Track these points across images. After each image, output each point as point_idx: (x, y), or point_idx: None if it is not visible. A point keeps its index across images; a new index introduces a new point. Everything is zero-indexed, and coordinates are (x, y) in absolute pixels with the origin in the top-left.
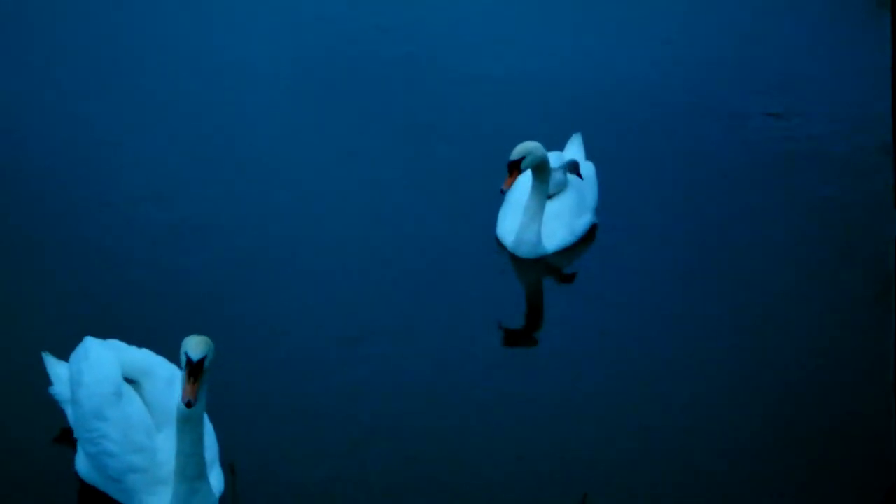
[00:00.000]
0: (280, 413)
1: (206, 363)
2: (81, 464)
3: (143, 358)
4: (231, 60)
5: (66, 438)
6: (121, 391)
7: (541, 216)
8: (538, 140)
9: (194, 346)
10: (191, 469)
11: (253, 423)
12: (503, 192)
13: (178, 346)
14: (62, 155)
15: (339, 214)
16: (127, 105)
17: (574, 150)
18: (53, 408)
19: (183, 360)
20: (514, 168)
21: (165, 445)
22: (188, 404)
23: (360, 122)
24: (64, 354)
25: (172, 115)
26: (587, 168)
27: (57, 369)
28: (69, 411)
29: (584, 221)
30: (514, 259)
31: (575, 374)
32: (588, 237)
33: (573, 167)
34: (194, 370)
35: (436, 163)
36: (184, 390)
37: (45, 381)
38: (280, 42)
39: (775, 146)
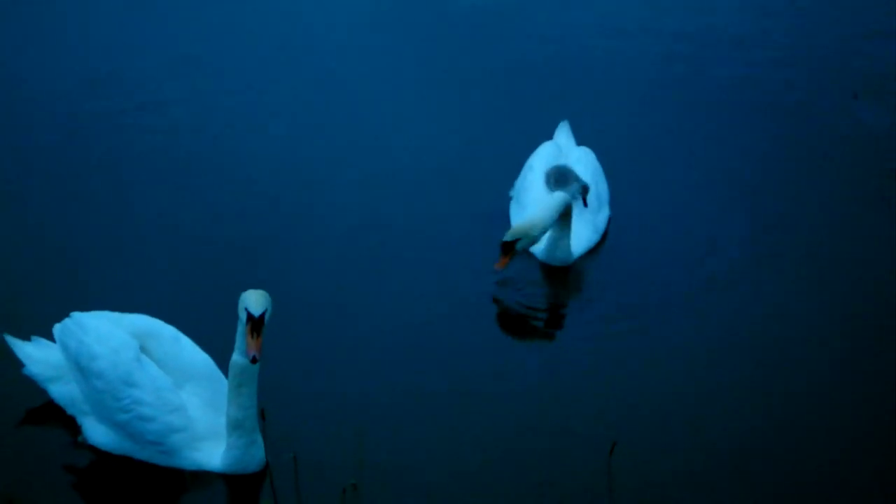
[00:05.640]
0: (307, 360)
1: (267, 317)
2: (100, 435)
3: (142, 321)
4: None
5: (49, 417)
6: (139, 356)
7: (569, 232)
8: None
9: (255, 301)
10: (249, 422)
11: (280, 370)
12: (497, 271)
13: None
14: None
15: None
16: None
17: (562, 138)
18: (27, 388)
19: (242, 315)
20: (509, 248)
21: (191, 402)
22: (254, 359)
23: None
24: (22, 334)
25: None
26: (586, 155)
27: (27, 349)
28: (55, 389)
29: (603, 217)
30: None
31: (605, 342)
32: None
33: (583, 192)
34: (257, 325)
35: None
36: (248, 345)
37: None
38: None
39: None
